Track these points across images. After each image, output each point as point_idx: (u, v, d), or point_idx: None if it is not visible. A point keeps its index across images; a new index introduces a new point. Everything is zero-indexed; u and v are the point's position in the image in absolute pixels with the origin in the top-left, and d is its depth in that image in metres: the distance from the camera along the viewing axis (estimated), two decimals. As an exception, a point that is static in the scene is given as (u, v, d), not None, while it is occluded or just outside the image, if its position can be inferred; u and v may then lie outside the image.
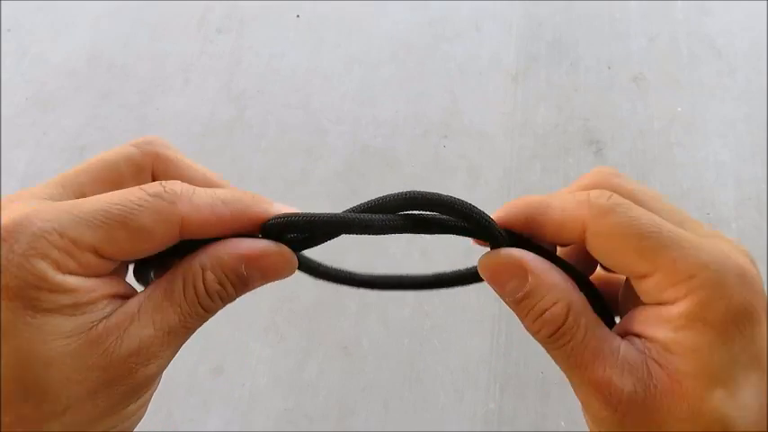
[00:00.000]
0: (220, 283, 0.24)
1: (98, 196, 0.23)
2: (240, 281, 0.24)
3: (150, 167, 0.26)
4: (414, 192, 0.25)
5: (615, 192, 0.24)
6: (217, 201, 0.24)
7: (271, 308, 0.90)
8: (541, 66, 1.12)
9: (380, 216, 0.25)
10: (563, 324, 0.23)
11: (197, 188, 0.24)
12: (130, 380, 0.22)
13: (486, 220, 0.25)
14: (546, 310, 0.23)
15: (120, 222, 0.22)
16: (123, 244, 0.22)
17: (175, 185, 0.23)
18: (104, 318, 0.22)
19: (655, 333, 0.22)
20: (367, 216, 0.25)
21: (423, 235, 0.28)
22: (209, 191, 0.24)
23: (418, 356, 0.86)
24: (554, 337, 0.23)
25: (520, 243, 0.25)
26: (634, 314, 0.24)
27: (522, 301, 0.24)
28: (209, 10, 1.20)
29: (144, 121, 1.07)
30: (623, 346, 0.22)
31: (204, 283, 0.23)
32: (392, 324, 0.88)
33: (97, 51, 1.15)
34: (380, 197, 0.26)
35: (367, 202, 0.26)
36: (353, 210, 0.26)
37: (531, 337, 0.25)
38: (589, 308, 0.24)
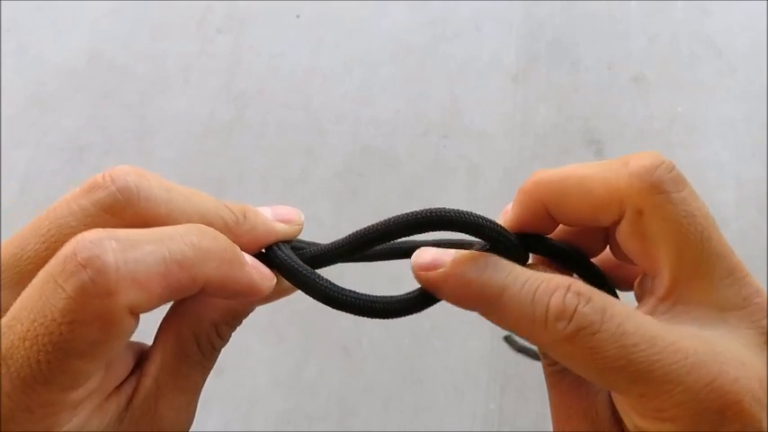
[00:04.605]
0: (235, 327, 0.24)
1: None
2: (249, 312, 0.25)
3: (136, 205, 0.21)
4: (421, 213, 0.22)
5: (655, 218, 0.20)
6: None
7: (271, 308, 0.89)
8: (541, 66, 1.12)
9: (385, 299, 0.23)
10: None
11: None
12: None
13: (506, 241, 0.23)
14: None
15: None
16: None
17: None
18: (123, 412, 0.21)
19: (633, 420, 0.20)
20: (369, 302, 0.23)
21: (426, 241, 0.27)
22: None
23: (418, 357, 0.86)
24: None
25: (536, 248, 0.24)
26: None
27: None
28: (209, 10, 1.20)
29: (144, 121, 1.07)
30: (603, 400, 0.21)
31: (219, 336, 0.24)
32: (392, 324, 0.88)
33: (97, 51, 1.15)
34: (385, 222, 0.23)
35: (372, 229, 0.23)
36: (358, 237, 0.24)
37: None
38: None
